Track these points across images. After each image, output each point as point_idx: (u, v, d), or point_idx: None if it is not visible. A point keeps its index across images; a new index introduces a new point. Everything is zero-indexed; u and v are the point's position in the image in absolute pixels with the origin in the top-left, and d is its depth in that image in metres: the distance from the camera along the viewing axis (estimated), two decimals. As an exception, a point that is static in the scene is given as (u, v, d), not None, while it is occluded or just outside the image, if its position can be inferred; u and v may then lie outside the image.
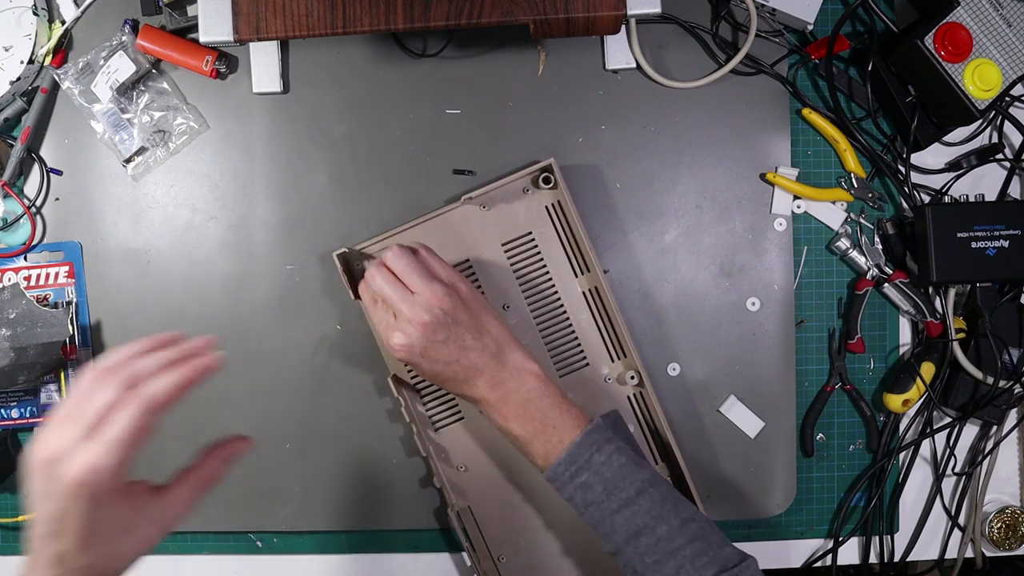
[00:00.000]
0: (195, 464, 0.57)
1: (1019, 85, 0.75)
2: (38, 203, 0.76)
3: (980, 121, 0.79)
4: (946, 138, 0.78)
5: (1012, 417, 0.80)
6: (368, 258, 0.74)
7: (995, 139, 0.80)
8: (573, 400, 0.67)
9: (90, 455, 0.49)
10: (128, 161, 0.76)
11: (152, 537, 0.55)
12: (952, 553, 0.82)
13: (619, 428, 0.67)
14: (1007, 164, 0.80)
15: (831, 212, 0.78)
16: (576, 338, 0.75)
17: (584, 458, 0.63)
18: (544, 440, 0.64)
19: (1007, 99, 0.77)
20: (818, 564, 0.81)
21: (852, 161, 0.77)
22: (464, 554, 0.77)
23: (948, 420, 0.80)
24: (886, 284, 0.77)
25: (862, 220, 0.78)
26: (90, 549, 0.52)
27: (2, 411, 0.76)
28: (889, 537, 0.80)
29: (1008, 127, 0.79)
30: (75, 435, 0.50)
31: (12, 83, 0.72)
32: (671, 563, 0.60)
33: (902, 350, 0.80)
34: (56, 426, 0.51)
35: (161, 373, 0.54)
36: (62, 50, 0.75)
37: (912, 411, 0.80)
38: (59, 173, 0.76)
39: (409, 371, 0.75)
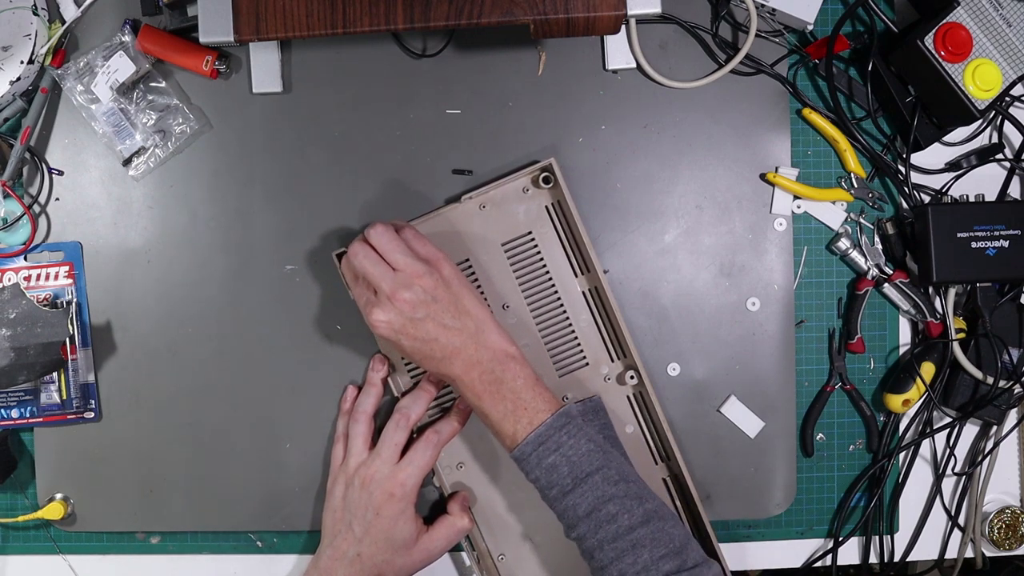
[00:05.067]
0: (447, 515, 0.73)
1: (1019, 85, 0.75)
2: (38, 203, 0.76)
3: (980, 121, 0.79)
4: (946, 138, 0.78)
5: (1012, 417, 0.80)
6: None
7: (995, 139, 0.80)
8: (547, 385, 0.67)
9: (402, 474, 0.70)
10: (128, 161, 0.76)
11: (418, 562, 0.71)
12: (952, 553, 0.82)
13: (598, 414, 0.67)
14: (1007, 164, 0.80)
15: (831, 212, 0.78)
16: (576, 338, 0.75)
17: (553, 440, 0.64)
18: (514, 420, 0.65)
19: (1007, 99, 0.77)
20: (818, 564, 0.81)
21: (852, 161, 0.77)
22: (464, 554, 0.78)
23: (948, 420, 0.80)
24: (886, 284, 0.77)
25: (862, 220, 0.78)
26: (382, 553, 0.69)
27: (2, 411, 0.76)
28: (889, 537, 0.80)
29: (1008, 127, 0.79)
30: (383, 463, 0.70)
31: (12, 83, 0.72)
32: (630, 555, 0.61)
33: (902, 350, 0.80)
34: (370, 457, 0.71)
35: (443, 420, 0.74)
36: (62, 50, 0.75)
37: (912, 411, 0.80)
38: (60, 173, 0.76)
39: (406, 364, 0.75)
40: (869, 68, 0.76)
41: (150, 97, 0.75)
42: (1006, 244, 0.74)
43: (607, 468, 0.63)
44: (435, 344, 0.65)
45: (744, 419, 0.77)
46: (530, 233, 0.75)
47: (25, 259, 0.76)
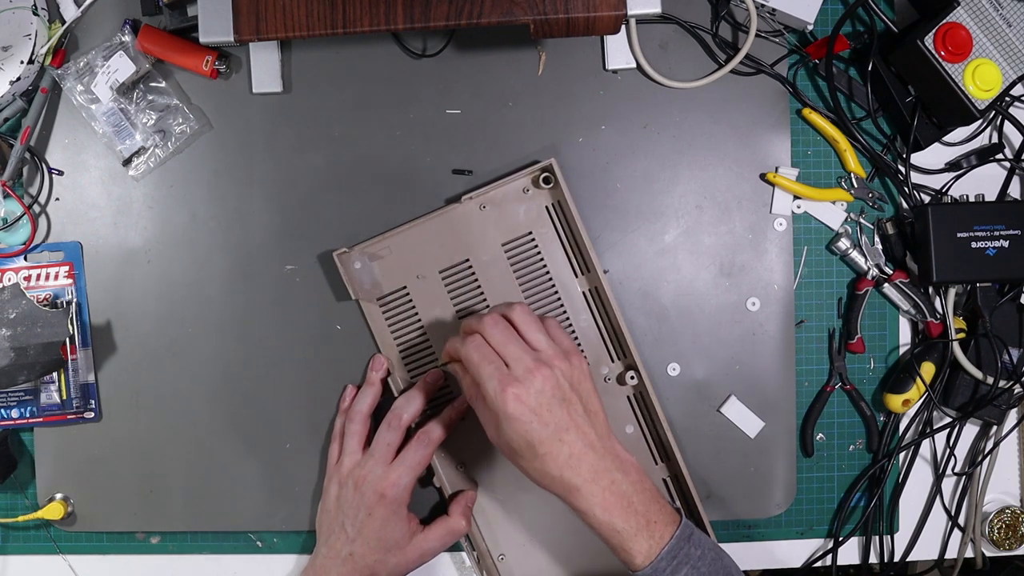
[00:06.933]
0: (446, 516, 0.73)
1: (1019, 85, 0.75)
2: (38, 203, 0.76)
3: (980, 121, 0.79)
4: (946, 138, 0.78)
5: (1012, 417, 0.80)
6: (377, 257, 0.74)
7: (995, 139, 0.80)
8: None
9: (394, 475, 0.69)
10: (128, 161, 0.76)
11: (411, 561, 0.71)
12: (952, 553, 0.82)
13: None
14: (1007, 164, 0.80)
15: (831, 212, 0.78)
16: (576, 338, 0.75)
17: (684, 552, 0.62)
18: (648, 535, 0.61)
19: (1007, 99, 0.77)
20: (818, 564, 0.81)
21: (852, 161, 0.77)
22: (464, 554, 0.78)
23: (948, 420, 0.80)
24: (886, 284, 0.77)
25: (862, 220, 0.78)
26: (374, 553, 0.69)
27: (2, 411, 0.76)
28: (889, 537, 0.80)
29: (1008, 127, 0.79)
30: (376, 464, 0.70)
31: (12, 83, 0.72)
32: None
33: (902, 350, 0.80)
34: (364, 457, 0.71)
35: (435, 420, 0.72)
36: (62, 50, 0.75)
37: (912, 411, 0.80)
38: (60, 173, 0.76)
39: (406, 365, 0.75)
40: (869, 68, 0.76)
41: (150, 97, 0.75)
42: (1006, 244, 0.74)
43: (731, 573, 0.63)
44: (566, 435, 0.61)
45: (744, 419, 0.77)
46: (530, 233, 0.75)
47: (25, 259, 0.76)
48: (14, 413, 0.76)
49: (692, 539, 0.63)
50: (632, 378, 0.74)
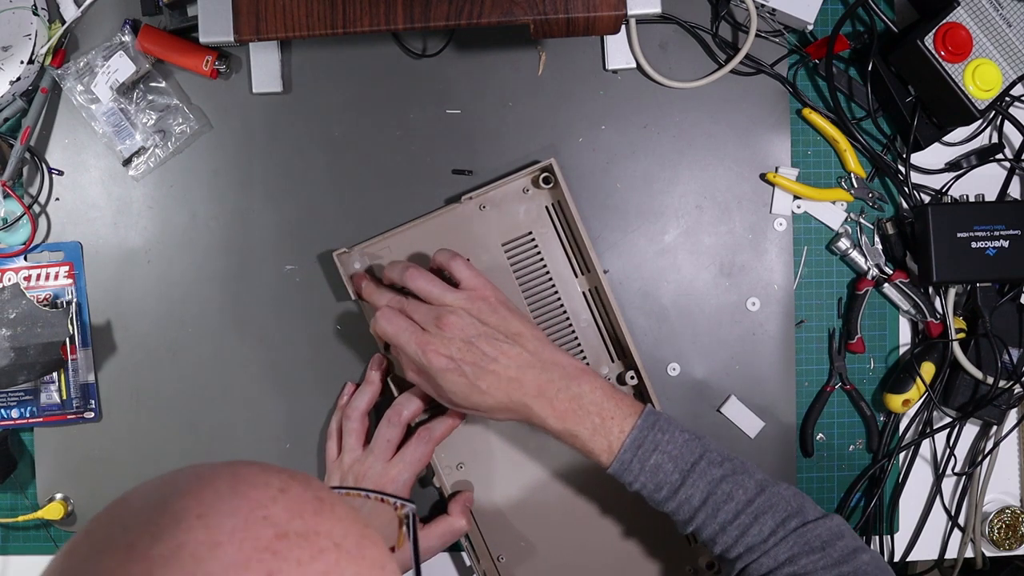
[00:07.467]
0: (446, 515, 0.72)
1: (1019, 85, 0.75)
2: (38, 203, 0.76)
3: (980, 121, 0.79)
4: (946, 138, 0.78)
5: (1012, 417, 0.80)
6: (377, 257, 0.74)
7: (995, 139, 0.80)
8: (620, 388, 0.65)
9: (393, 471, 0.70)
10: (128, 161, 0.76)
11: (411, 559, 0.69)
12: (952, 553, 0.82)
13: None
14: (1007, 164, 0.80)
15: (831, 212, 0.78)
16: (576, 338, 0.75)
17: (650, 440, 0.62)
18: (606, 433, 0.62)
19: (1007, 99, 0.77)
20: (818, 564, 0.80)
21: (852, 161, 0.77)
22: (464, 554, 0.78)
23: (948, 420, 0.80)
24: (886, 284, 0.77)
25: (862, 220, 0.78)
26: None
27: (2, 411, 0.76)
28: (889, 537, 0.80)
29: (1008, 127, 0.79)
30: (376, 460, 0.70)
31: (12, 83, 0.72)
32: (756, 526, 0.60)
33: (902, 350, 0.80)
34: (364, 453, 0.71)
35: (438, 419, 0.72)
36: (62, 50, 0.75)
37: (912, 411, 0.80)
38: (60, 173, 0.76)
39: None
40: (869, 68, 0.76)
41: (150, 97, 0.75)
42: (1006, 244, 0.74)
43: (709, 452, 0.62)
44: (497, 365, 0.62)
45: (744, 419, 0.77)
46: (530, 233, 0.75)
47: (25, 259, 0.76)
48: (14, 413, 0.76)
49: (658, 425, 0.62)
50: (632, 378, 0.74)
